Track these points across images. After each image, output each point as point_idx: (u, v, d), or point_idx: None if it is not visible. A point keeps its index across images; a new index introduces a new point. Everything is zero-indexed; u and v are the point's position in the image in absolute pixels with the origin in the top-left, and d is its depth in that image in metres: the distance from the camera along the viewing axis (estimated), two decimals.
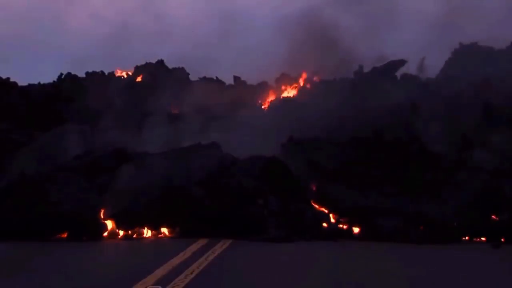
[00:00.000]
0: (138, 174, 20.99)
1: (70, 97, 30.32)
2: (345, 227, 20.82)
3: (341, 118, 26.14)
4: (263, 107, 33.67)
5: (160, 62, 35.90)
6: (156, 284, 11.47)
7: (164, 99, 29.32)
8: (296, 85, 34.70)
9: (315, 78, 34.35)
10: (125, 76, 35.94)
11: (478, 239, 20.52)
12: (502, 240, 19.69)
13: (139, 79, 35.42)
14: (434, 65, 33.48)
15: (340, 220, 20.98)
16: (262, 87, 35.19)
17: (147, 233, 20.24)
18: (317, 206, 21.47)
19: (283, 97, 32.52)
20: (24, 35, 75.02)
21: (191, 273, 12.69)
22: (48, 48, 74.94)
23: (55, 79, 33.81)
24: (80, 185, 20.29)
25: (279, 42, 37.46)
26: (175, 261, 14.36)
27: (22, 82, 31.99)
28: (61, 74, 33.66)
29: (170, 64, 35.90)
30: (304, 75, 35.30)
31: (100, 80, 33.95)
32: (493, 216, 20.63)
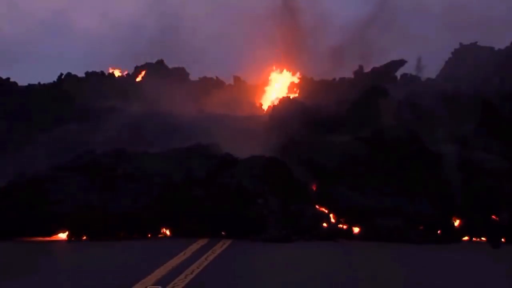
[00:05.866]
0: (138, 174, 21.00)
1: (70, 97, 30.31)
2: (345, 227, 20.80)
3: (342, 118, 26.14)
4: (263, 107, 33.72)
5: (160, 62, 35.92)
6: (156, 284, 11.50)
7: (164, 99, 29.30)
8: (296, 84, 34.75)
9: (315, 78, 34.40)
10: (125, 76, 35.98)
11: (478, 239, 20.53)
12: (502, 240, 19.70)
13: (139, 79, 35.47)
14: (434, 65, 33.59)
15: (340, 220, 20.97)
16: (262, 87, 35.26)
17: (147, 233, 20.21)
18: (317, 206, 21.44)
19: (283, 97, 32.51)
20: (26, 35, 75.28)
21: (191, 273, 12.72)
22: (49, 48, 75.11)
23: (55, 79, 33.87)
24: (80, 185, 20.28)
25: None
26: (175, 261, 14.39)
27: (22, 82, 32.07)
28: (61, 74, 33.70)
29: (170, 64, 35.97)
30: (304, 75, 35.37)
31: (100, 80, 33.97)
32: (493, 216, 20.62)
